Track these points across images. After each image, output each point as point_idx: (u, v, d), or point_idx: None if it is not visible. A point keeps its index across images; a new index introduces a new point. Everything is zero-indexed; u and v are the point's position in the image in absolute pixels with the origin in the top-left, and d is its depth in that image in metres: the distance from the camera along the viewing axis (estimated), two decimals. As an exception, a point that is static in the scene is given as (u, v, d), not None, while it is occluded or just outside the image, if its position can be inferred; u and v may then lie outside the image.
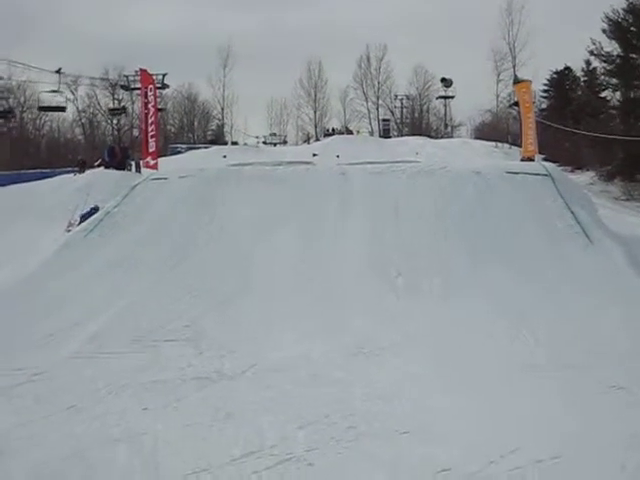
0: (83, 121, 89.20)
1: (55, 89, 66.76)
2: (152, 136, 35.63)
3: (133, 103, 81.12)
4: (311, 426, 7.70)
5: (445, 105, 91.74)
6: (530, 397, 8.42)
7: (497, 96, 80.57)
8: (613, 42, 43.92)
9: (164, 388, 9.11)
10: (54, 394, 8.92)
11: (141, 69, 39.91)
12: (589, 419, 7.71)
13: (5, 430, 7.81)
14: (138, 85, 64.51)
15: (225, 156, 47.91)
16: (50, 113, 75.18)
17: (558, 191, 16.09)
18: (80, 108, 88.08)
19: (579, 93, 55.51)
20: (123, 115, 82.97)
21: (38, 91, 73.69)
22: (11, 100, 77.28)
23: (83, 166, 38.52)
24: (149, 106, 36.04)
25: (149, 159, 35.02)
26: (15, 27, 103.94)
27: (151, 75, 39.20)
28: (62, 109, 70.07)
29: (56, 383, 9.38)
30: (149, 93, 36.22)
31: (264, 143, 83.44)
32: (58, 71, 64.74)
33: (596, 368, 9.34)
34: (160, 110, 71.18)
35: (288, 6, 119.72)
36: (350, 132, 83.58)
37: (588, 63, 51.68)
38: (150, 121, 35.90)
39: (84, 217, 20.37)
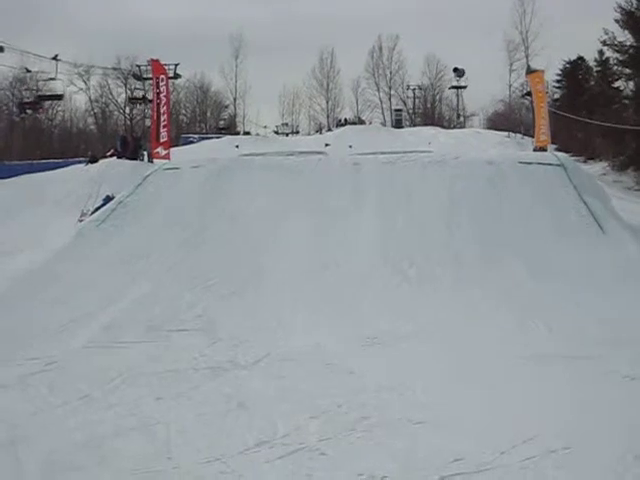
0: (95, 111, 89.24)
1: (53, 77, 66.95)
2: (164, 126, 35.72)
3: (145, 93, 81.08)
4: (324, 416, 7.72)
5: (457, 95, 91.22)
6: (542, 388, 8.42)
7: (510, 86, 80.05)
8: (626, 32, 43.67)
9: (177, 377, 9.14)
10: (68, 383, 8.95)
11: (152, 59, 39.96)
12: (601, 409, 7.70)
13: (19, 419, 7.85)
14: (150, 75, 64.52)
15: (237, 146, 47.91)
16: (63, 102, 75.44)
17: (571, 181, 16.06)
18: (92, 98, 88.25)
19: (592, 83, 55.23)
20: (136, 105, 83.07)
21: (51, 81, 73.94)
22: (24, 91, 77.38)
23: (94, 161, 38.55)
24: (161, 96, 36.11)
25: (160, 149, 35.11)
26: (25, 17, 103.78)
27: (163, 65, 39.23)
28: (59, 97, 70.19)
29: (70, 372, 9.42)
30: (161, 83, 36.28)
31: (276, 133, 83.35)
32: (55, 57, 64.76)
33: (609, 358, 9.33)
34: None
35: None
36: (362, 122, 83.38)
37: (601, 53, 51.37)
38: (162, 111, 35.96)
39: (98, 208, 20.40)
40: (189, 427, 7.56)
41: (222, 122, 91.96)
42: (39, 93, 69.50)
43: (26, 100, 73.38)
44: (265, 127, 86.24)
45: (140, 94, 77.29)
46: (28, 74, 71.58)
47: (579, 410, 7.68)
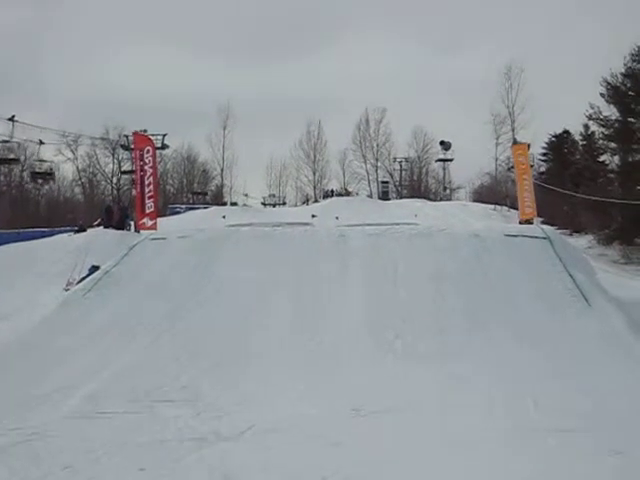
0: (83, 180, 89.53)
1: (44, 159, 68.03)
2: (150, 197, 35.76)
3: (133, 163, 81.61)
4: (309, 488, 7.66)
5: (444, 168, 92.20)
6: (531, 461, 8.36)
7: (496, 159, 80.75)
8: (611, 106, 44.20)
9: (161, 448, 9.05)
10: (51, 454, 8.86)
11: (135, 133, 40.29)
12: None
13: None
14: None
15: (224, 216, 48.04)
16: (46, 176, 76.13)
17: (557, 254, 16.16)
18: (80, 167, 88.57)
19: (578, 157, 55.79)
20: (122, 175, 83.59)
21: (39, 150, 74.56)
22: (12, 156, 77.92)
23: (83, 230, 38.61)
24: (145, 167, 36.16)
25: (146, 220, 35.13)
26: (16, 87, 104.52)
27: (148, 137, 39.51)
28: (51, 175, 71.30)
29: (53, 443, 9.32)
30: (146, 155, 36.37)
31: (263, 204, 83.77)
32: (11, 119, 65.45)
33: (595, 432, 9.29)
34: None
35: (288, 70, 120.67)
36: (349, 194, 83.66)
37: (586, 127, 51.99)
38: (148, 182, 36.00)
39: (84, 277, 20.40)
40: (172, 499, 7.49)
41: (210, 193, 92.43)
42: (32, 170, 70.37)
43: (38, 170, 74.35)
44: (247, 195, 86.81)
45: (125, 165, 78.15)
46: (16, 144, 72.15)
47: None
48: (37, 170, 71.52)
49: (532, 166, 49.98)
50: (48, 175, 72.68)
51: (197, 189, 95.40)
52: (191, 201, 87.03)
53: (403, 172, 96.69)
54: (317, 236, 18.15)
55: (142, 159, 36.31)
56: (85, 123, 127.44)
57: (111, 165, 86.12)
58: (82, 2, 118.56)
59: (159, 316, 14.90)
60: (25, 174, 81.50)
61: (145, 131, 43.08)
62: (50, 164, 73.50)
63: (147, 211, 35.49)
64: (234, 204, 79.25)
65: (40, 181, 78.37)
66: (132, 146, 56.00)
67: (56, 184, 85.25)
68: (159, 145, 48.55)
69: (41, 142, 71.32)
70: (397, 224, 19.53)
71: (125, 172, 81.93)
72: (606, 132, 45.99)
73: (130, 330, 14.45)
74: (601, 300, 14.97)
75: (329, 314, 14.52)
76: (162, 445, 9.18)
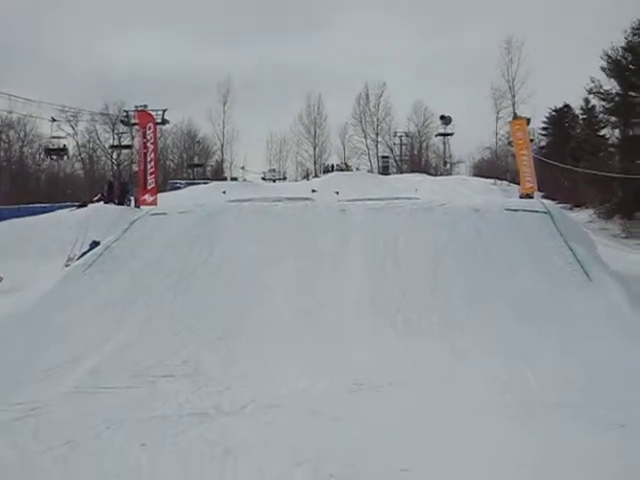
0: (83, 156, 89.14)
1: (57, 135, 68.01)
2: (151, 173, 35.72)
3: (133, 138, 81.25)
4: (309, 463, 7.66)
5: (444, 142, 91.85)
6: (531, 435, 8.37)
7: (496, 134, 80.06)
8: (612, 80, 44.03)
9: (162, 424, 9.07)
10: (52, 429, 8.87)
11: (138, 111, 40.23)
12: (588, 458, 7.66)
13: (4, 466, 7.78)
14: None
15: (225, 192, 47.92)
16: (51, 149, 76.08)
17: (557, 228, 16.14)
18: (80, 143, 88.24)
19: (578, 131, 55.64)
20: (122, 151, 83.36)
21: (38, 126, 74.58)
22: (12, 134, 77.79)
23: (84, 206, 38.58)
24: (148, 144, 36.11)
25: (147, 196, 35.08)
26: (15, 61, 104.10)
27: (150, 113, 39.45)
28: (64, 150, 71.31)
29: (55, 418, 9.33)
30: (148, 132, 36.30)
31: (263, 179, 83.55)
32: (53, 119, 65.63)
33: (595, 406, 9.30)
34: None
35: (288, 43, 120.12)
36: (349, 169, 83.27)
37: (587, 101, 51.84)
38: (149, 158, 35.97)
39: (85, 253, 20.37)
40: (173, 474, 7.50)
41: (209, 168, 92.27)
42: (46, 147, 70.37)
43: (51, 147, 74.44)
44: (243, 168, 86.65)
45: (125, 141, 78.09)
46: (15, 118, 72.19)
47: (565, 460, 7.64)
48: (50, 147, 71.42)
49: (532, 140, 49.84)
50: (62, 151, 72.63)
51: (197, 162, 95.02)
52: (191, 176, 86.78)
53: (403, 147, 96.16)
54: (317, 211, 18.13)
55: (145, 136, 36.24)
56: (85, 98, 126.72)
57: (111, 140, 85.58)
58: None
59: (160, 291, 14.90)
60: (25, 150, 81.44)
61: (145, 106, 42.91)
62: (64, 140, 73.54)
63: (148, 187, 35.47)
64: (234, 179, 78.98)
65: (55, 157, 78.45)
66: (132, 121, 56.04)
67: (56, 160, 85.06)
68: (159, 121, 48.33)
69: (53, 119, 71.45)
70: (397, 199, 19.49)
71: (117, 147, 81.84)
72: (607, 106, 45.83)
73: (131, 305, 14.45)
74: (601, 274, 14.97)
75: (330, 289, 14.52)
76: (163, 420, 9.19)
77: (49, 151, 72.17)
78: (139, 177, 36.23)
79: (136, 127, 41.58)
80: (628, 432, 8.39)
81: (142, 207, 31.19)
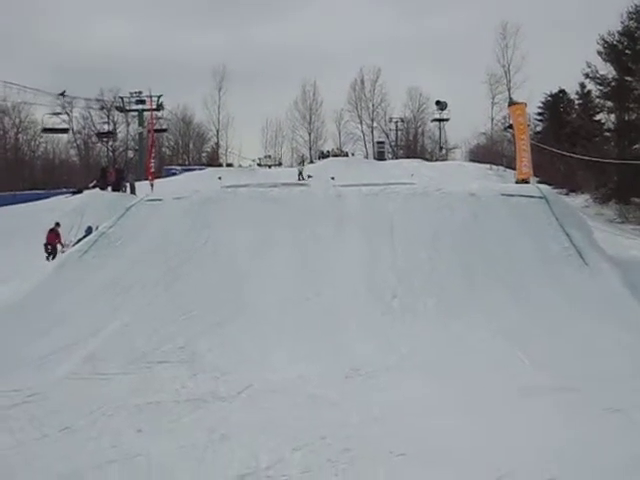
0: (78, 142, 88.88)
1: (57, 112, 67.66)
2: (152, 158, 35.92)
3: (128, 125, 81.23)
4: (307, 448, 7.67)
5: (440, 128, 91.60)
6: (527, 420, 8.39)
7: (492, 119, 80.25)
8: (608, 65, 43.94)
9: (158, 410, 9.08)
10: (49, 415, 8.89)
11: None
12: (586, 442, 7.66)
13: (1, 451, 7.78)
14: (133, 107, 64.80)
15: (220, 178, 47.88)
16: (45, 135, 75.66)
17: (553, 213, 16.14)
18: (75, 129, 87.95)
19: (574, 116, 55.52)
20: (117, 137, 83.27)
21: (33, 112, 74.33)
22: (6, 121, 77.59)
23: (79, 192, 38.64)
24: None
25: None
26: (11, 49, 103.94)
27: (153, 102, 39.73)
28: (65, 130, 70.99)
29: (51, 404, 9.35)
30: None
31: (259, 165, 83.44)
32: (62, 94, 65.39)
33: (592, 390, 9.32)
34: (163, 131, 72.14)
35: (283, 30, 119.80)
36: (345, 154, 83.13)
37: (583, 86, 51.72)
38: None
39: (81, 239, 20.37)
40: (170, 460, 7.50)
41: (205, 155, 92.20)
42: (45, 126, 69.99)
43: (102, 131, 74.62)
44: (238, 153, 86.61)
45: (114, 127, 78.17)
46: (9, 105, 71.97)
47: (564, 442, 7.64)
48: (49, 126, 70.99)
49: (528, 125, 49.73)
50: (62, 131, 72.20)
51: (193, 150, 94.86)
52: (186, 162, 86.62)
53: (399, 132, 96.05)
54: (314, 196, 18.11)
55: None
56: (80, 85, 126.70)
57: (106, 127, 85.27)
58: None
59: (156, 277, 14.87)
60: (20, 137, 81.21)
61: (140, 93, 42.96)
62: (64, 118, 72.95)
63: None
64: (230, 165, 78.88)
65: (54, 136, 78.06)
66: (127, 108, 56.08)
67: (51, 146, 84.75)
68: (155, 106, 48.33)
69: (62, 94, 71.02)
70: (393, 184, 19.45)
71: (102, 134, 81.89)
72: (603, 90, 45.73)
73: (127, 291, 14.43)
74: (597, 259, 14.98)
75: (326, 275, 14.51)
76: (160, 406, 9.21)
77: (47, 130, 71.60)
78: (145, 161, 36.30)
79: (134, 111, 41.72)
80: (626, 416, 8.42)
81: (138, 193, 31.20)
